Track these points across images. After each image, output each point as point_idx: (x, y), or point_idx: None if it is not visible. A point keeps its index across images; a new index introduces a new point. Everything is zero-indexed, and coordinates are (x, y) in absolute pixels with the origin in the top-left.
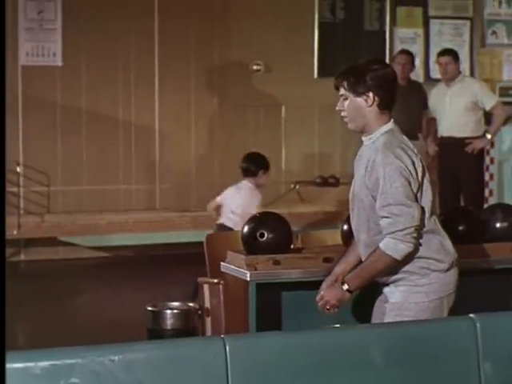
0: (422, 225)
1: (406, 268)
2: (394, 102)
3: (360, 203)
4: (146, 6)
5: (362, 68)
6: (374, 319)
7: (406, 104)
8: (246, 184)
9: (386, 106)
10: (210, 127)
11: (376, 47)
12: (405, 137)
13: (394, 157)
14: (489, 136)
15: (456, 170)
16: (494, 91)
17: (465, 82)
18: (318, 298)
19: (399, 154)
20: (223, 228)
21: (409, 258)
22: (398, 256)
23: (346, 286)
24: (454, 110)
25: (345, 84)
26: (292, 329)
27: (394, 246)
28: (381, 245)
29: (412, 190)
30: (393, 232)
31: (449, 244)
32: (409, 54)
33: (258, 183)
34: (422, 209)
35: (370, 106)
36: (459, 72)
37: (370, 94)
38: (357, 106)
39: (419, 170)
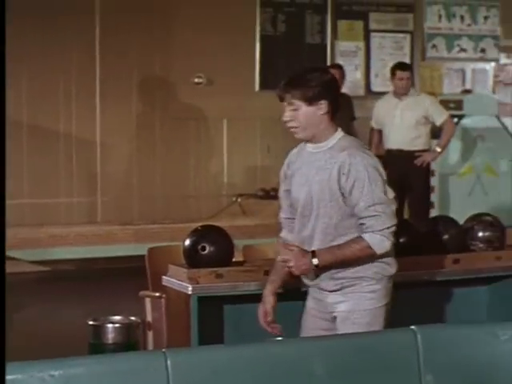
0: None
1: (362, 273)
2: (339, 108)
3: (325, 208)
4: (87, 20)
5: (311, 77)
6: (314, 330)
7: (338, 117)
8: None
9: (335, 112)
10: (152, 140)
11: (317, 60)
12: None
13: (370, 158)
14: (438, 149)
15: (403, 182)
16: None
17: (416, 96)
18: (279, 258)
19: (371, 155)
20: None
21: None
22: (380, 251)
23: (315, 261)
24: (405, 123)
25: (296, 94)
26: (234, 342)
27: (380, 243)
28: (367, 237)
29: (387, 189)
30: (380, 230)
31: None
32: (340, 68)
33: None
34: None
35: (324, 113)
36: (411, 86)
37: (323, 102)
38: (310, 114)
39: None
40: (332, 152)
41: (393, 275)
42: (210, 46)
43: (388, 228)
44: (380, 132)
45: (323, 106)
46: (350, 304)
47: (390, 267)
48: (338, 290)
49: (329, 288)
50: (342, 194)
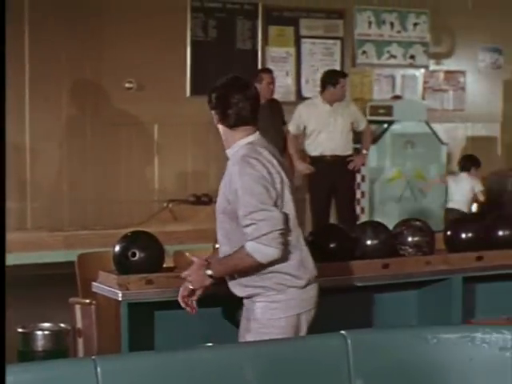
0: (287, 230)
1: (262, 283)
2: (249, 118)
3: (221, 216)
4: (16, 23)
5: (210, 88)
6: (240, 337)
7: (269, 122)
8: None
9: (235, 123)
10: (82, 145)
11: (248, 66)
12: (270, 149)
13: (250, 167)
14: (365, 152)
15: (336, 187)
16: (364, 110)
17: (344, 103)
18: (183, 275)
19: (254, 164)
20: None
21: (274, 263)
22: (264, 259)
23: (209, 272)
24: (339, 129)
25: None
26: (165, 348)
27: (260, 250)
28: (247, 245)
29: (272, 196)
30: (257, 237)
31: (309, 261)
32: (270, 72)
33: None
34: (286, 216)
35: (217, 123)
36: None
37: (213, 112)
38: (216, 124)
39: (277, 180)
40: (229, 162)
41: (305, 286)
42: (141, 51)
43: (266, 235)
44: (298, 138)
45: (216, 116)
46: (258, 313)
47: (295, 278)
48: (248, 298)
49: (240, 294)
50: (229, 204)
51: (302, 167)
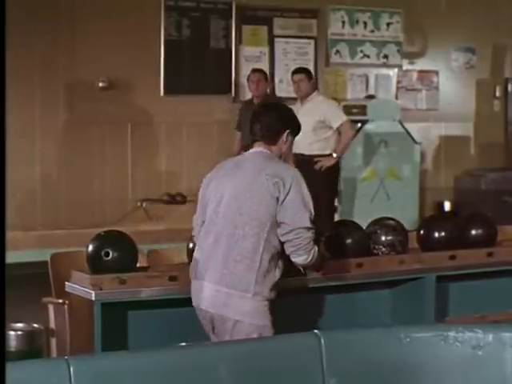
0: None
1: None
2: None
3: None
4: None
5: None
6: None
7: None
8: None
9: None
10: (56, 145)
11: (222, 65)
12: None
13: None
14: (334, 155)
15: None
16: None
17: (315, 100)
18: None
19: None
20: None
21: None
22: None
23: None
24: (304, 128)
25: None
26: (139, 348)
27: None
28: None
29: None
30: None
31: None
32: (261, 72)
33: None
34: None
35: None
36: (314, 90)
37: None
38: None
39: None
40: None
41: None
42: (115, 50)
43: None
44: None
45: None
46: None
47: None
48: None
49: None
50: None
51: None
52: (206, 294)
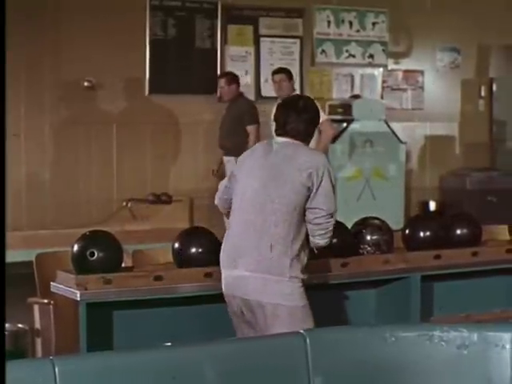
0: None
1: None
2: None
3: None
4: None
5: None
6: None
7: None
8: None
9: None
10: (42, 145)
11: (208, 65)
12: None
13: None
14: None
15: None
16: (323, 109)
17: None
18: None
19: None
20: None
21: None
22: None
23: None
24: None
25: None
26: (124, 348)
27: None
28: None
29: None
30: None
31: None
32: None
33: None
34: None
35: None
36: (293, 90)
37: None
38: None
39: None
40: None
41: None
42: (100, 49)
43: None
44: None
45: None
46: None
47: None
48: None
49: None
50: None
51: None
52: (242, 282)
